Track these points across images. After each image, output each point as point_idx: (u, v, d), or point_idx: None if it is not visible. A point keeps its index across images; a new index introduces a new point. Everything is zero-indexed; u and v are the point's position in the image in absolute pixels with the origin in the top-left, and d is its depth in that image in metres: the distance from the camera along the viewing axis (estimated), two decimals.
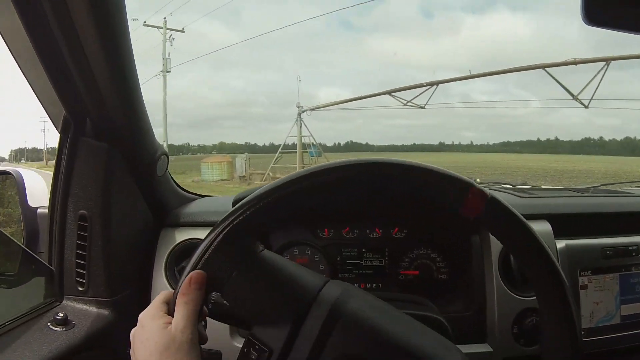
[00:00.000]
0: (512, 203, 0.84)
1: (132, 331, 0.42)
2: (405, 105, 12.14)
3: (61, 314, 0.66)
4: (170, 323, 0.40)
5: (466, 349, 0.73)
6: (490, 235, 0.75)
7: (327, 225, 0.83)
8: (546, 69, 10.06)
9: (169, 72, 15.41)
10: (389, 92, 12.35)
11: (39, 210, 0.80)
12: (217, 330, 0.71)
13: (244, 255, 0.42)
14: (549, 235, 0.77)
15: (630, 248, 0.79)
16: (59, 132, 0.68)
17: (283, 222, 0.80)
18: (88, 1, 0.52)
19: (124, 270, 0.72)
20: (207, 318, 0.46)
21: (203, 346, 0.72)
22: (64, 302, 0.70)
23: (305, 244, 0.83)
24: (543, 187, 1.06)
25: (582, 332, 0.75)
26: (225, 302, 0.54)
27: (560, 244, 0.77)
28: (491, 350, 0.73)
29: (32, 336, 0.63)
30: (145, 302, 0.73)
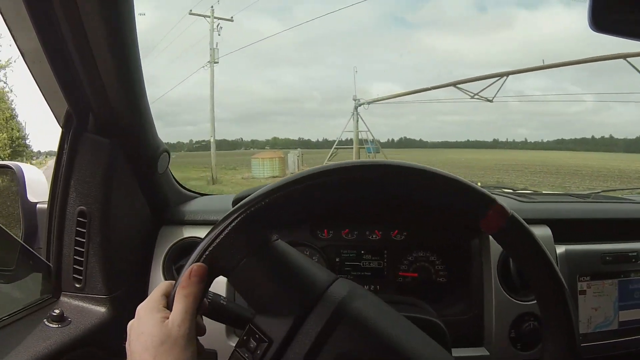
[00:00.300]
0: (513, 208, 0.85)
1: (129, 323, 0.42)
2: (472, 97, 10.83)
3: (57, 311, 0.65)
4: (168, 317, 0.39)
5: (463, 352, 0.73)
6: (490, 239, 0.75)
7: (327, 226, 0.82)
8: (627, 59, 8.60)
9: (216, 62, 14.92)
10: (455, 84, 11.15)
11: (38, 206, 0.79)
12: (213, 330, 0.69)
13: (257, 242, 0.42)
14: (548, 240, 0.77)
15: (630, 254, 0.80)
16: (61, 127, 0.68)
17: (291, 220, 0.80)
18: None
19: (121, 267, 0.72)
20: (204, 317, 0.46)
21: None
22: (61, 298, 0.70)
23: (304, 244, 0.83)
24: (544, 192, 1.06)
25: (580, 337, 0.75)
26: (222, 301, 0.53)
27: (560, 249, 0.77)
28: (488, 354, 0.73)
29: (27, 332, 0.63)
30: (142, 300, 0.73)
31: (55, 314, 0.65)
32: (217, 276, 0.42)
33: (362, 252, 0.84)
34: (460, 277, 0.80)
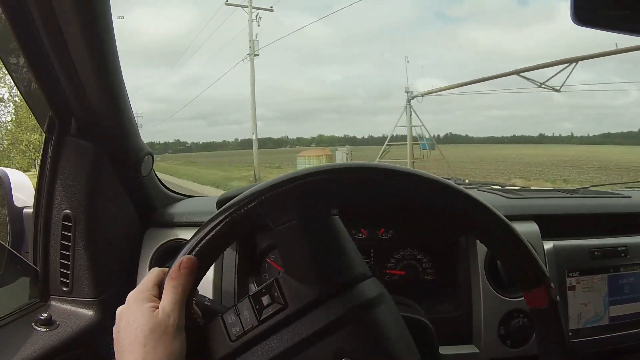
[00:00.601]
0: (500, 204, 0.85)
1: (119, 310, 0.42)
2: (540, 87, 9.74)
3: (45, 314, 0.66)
4: (157, 307, 0.39)
5: (452, 350, 0.73)
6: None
7: None
8: None
9: (257, 55, 14.54)
10: (517, 72, 10.09)
11: (24, 210, 0.79)
12: None
13: (315, 209, 0.42)
14: (536, 236, 0.76)
15: (618, 249, 0.79)
16: (44, 131, 0.68)
17: None
18: (73, 0, 0.52)
19: (108, 270, 0.72)
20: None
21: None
22: (49, 302, 0.70)
23: None
24: (532, 187, 1.06)
25: (570, 334, 0.75)
26: (207, 302, 0.53)
27: (548, 244, 0.77)
28: (477, 351, 0.73)
29: (15, 337, 0.63)
30: None
31: (43, 318, 0.65)
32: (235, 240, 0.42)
33: None
34: (448, 275, 0.80)
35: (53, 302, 0.70)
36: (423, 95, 13.03)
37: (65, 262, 0.68)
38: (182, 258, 0.41)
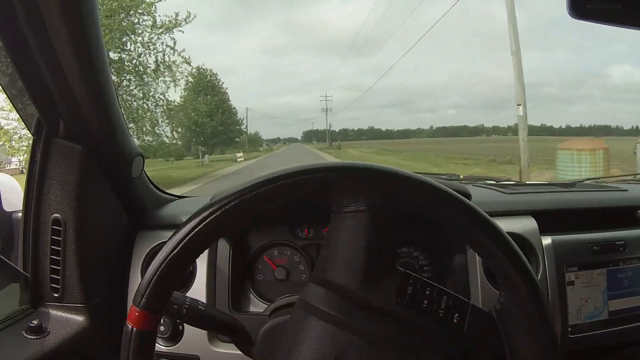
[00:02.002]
0: (496, 200, 0.84)
1: None
2: None
3: (35, 322, 0.64)
4: None
5: None
6: None
7: (307, 224, 0.81)
8: None
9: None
10: None
11: (14, 215, 0.78)
12: (195, 335, 0.69)
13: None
14: (534, 232, 0.76)
15: (617, 243, 0.79)
16: (32, 134, 0.67)
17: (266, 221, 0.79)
18: (60, 1, 0.51)
19: (99, 274, 0.70)
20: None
21: (182, 352, 0.71)
22: (40, 308, 0.69)
23: (285, 244, 0.81)
24: (527, 182, 1.05)
25: (569, 329, 0.74)
26: (200, 306, 0.52)
27: (546, 240, 0.76)
28: None
29: (5, 345, 0.61)
30: (121, 306, 0.72)
31: (33, 325, 0.64)
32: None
33: None
34: (444, 271, 0.79)
35: (43, 309, 0.68)
36: None
37: (55, 267, 0.66)
38: None
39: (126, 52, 8.82)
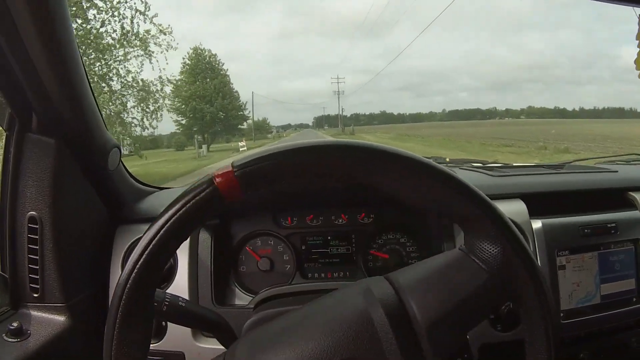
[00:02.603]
0: (484, 183, 0.82)
1: None
2: None
3: (15, 324, 0.62)
4: None
5: None
6: None
7: (290, 213, 0.79)
8: None
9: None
10: None
11: None
12: (179, 332, 0.67)
13: None
14: (524, 215, 0.75)
15: (608, 225, 0.78)
16: (4, 130, 0.65)
17: (246, 210, 0.77)
18: None
19: (79, 272, 0.68)
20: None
21: (166, 349, 0.69)
22: (20, 310, 0.67)
23: (268, 234, 0.79)
24: (514, 164, 1.03)
25: (562, 314, 0.73)
26: (180, 303, 0.51)
27: (536, 223, 0.75)
28: (468, 336, 0.71)
29: None
30: (103, 304, 0.70)
31: (13, 328, 0.62)
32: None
33: (329, 237, 0.81)
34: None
35: (23, 310, 0.66)
36: None
37: (33, 266, 0.64)
38: None
39: (87, 22, 6.87)
